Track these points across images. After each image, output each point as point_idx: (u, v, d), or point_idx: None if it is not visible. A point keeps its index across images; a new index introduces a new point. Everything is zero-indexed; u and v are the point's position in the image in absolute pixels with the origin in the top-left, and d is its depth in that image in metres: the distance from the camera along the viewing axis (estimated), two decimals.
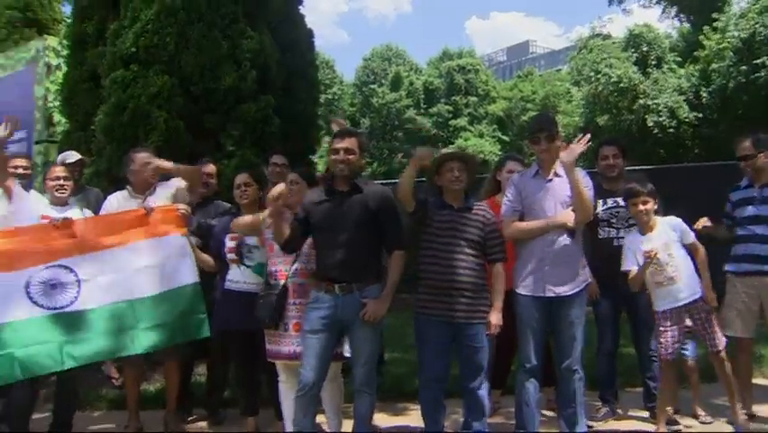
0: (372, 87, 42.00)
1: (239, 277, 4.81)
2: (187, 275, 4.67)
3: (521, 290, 4.34)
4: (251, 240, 4.78)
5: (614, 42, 22.49)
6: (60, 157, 5.59)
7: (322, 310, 4.11)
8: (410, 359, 4.79)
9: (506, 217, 4.39)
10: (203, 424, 5.28)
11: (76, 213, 4.88)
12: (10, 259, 4.43)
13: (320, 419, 4.46)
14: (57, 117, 7.85)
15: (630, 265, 4.66)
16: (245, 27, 6.87)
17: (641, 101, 19.33)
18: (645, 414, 5.07)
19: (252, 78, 6.85)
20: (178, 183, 5.05)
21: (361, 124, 39.50)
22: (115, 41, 6.80)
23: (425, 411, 4.35)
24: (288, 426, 4.42)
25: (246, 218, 4.70)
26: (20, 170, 5.33)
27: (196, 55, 6.59)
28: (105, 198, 5.20)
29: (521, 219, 4.37)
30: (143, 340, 4.54)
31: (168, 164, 4.96)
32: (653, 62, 20.49)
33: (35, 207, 4.88)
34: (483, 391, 4.32)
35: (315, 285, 4.22)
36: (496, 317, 4.20)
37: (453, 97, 40.63)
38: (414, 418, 5.02)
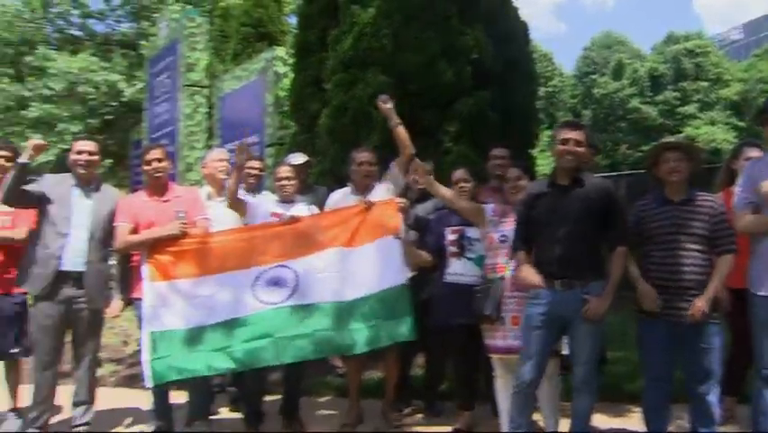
0: (593, 77, 40.64)
1: (460, 269, 4.81)
2: (398, 277, 4.67)
3: (762, 291, 3.95)
4: (472, 232, 4.78)
5: None
6: (287, 158, 5.92)
7: (541, 306, 4.01)
8: (633, 359, 4.53)
9: (737, 209, 4.06)
10: (419, 416, 5.35)
11: (302, 209, 5.15)
12: (243, 256, 4.77)
13: (536, 416, 4.36)
14: (285, 121, 8.33)
15: None
16: (459, 24, 6.89)
17: None
18: None
19: (468, 74, 6.86)
20: (391, 169, 5.15)
21: (582, 116, 38.36)
22: (336, 47, 7.14)
23: (648, 415, 4.14)
24: (504, 422, 4.37)
25: (469, 204, 4.71)
26: (254, 171, 5.75)
27: (412, 54, 6.72)
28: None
29: (756, 211, 4.01)
30: (352, 341, 4.59)
31: (395, 117, 5.03)
32: None
33: (265, 206, 5.21)
34: (713, 397, 4.01)
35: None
36: (702, 302, 3.88)
37: (681, 83, 38.30)
38: (635, 421, 4.80)
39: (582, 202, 3.99)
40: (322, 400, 5.82)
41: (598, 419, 4.82)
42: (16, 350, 5.14)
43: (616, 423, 5.00)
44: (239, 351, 4.54)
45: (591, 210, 3.98)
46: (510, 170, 4.66)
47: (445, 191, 4.75)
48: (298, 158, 5.87)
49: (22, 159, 4.73)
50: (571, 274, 3.98)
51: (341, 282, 4.69)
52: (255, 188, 5.87)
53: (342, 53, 7.00)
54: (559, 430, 4.40)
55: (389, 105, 5.00)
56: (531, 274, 4.06)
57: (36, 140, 4.87)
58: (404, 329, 4.59)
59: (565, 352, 4.21)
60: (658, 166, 4.14)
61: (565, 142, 4.04)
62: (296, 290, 4.66)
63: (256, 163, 5.90)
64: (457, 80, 6.81)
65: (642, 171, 4.44)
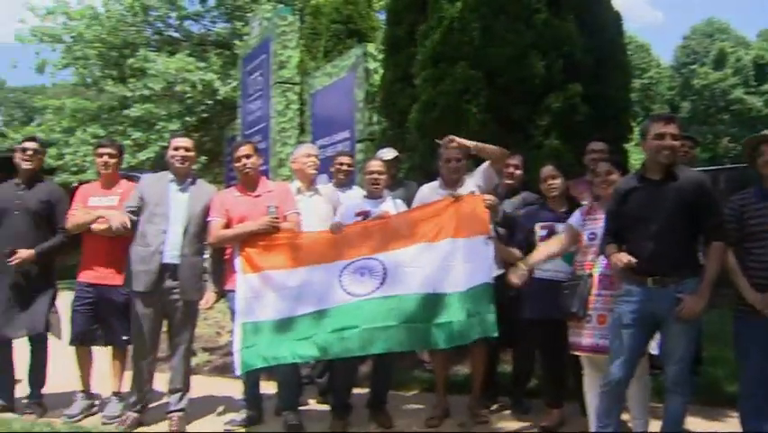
0: (692, 67, 39.16)
1: (549, 265, 4.76)
2: (486, 275, 4.59)
3: None
4: (562, 228, 4.71)
5: None
6: (378, 153, 5.98)
7: (632, 304, 3.91)
8: (732, 360, 4.35)
9: None
10: (506, 413, 5.31)
11: (389, 206, 5.19)
12: (332, 250, 4.85)
13: (625, 417, 4.26)
14: (375, 117, 8.38)
15: None
16: (549, 16, 6.77)
17: None
18: None
19: (559, 67, 6.74)
20: (483, 167, 5.11)
21: (680, 109, 37.04)
22: (424, 42, 7.13)
23: (746, 420, 3.99)
24: (592, 421, 4.29)
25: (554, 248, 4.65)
26: (344, 167, 5.90)
27: (500, 48, 6.65)
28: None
29: None
30: (437, 335, 4.56)
31: (469, 143, 4.99)
32: None
33: (352, 202, 5.29)
34: None
35: (625, 277, 4.02)
36: None
37: None
38: (731, 425, 4.63)
39: (675, 196, 3.86)
40: (409, 394, 5.84)
41: (693, 423, 4.68)
42: (125, 338, 5.36)
43: (712, 427, 4.83)
44: (325, 339, 4.58)
45: (685, 204, 3.85)
46: (600, 165, 4.55)
47: (539, 255, 4.66)
48: (389, 153, 5.91)
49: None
50: (663, 271, 3.86)
51: (428, 276, 4.67)
52: (345, 184, 5.96)
53: (431, 48, 6.99)
54: (649, 432, 4.27)
55: (455, 144, 4.99)
56: (624, 255, 3.92)
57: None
58: (487, 327, 4.50)
59: (654, 351, 4.09)
60: (755, 159, 3.98)
61: (661, 136, 3.92)
62: (384, 282, 4.68)
63: (346, 159, 5.99)
64: (547, 74, 6.70)
65: (744, 165, 4.25)
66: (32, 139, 5.72)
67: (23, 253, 5.21)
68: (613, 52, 7.45)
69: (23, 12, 18.02)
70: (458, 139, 4.99)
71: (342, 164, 6.01)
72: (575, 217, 4.59)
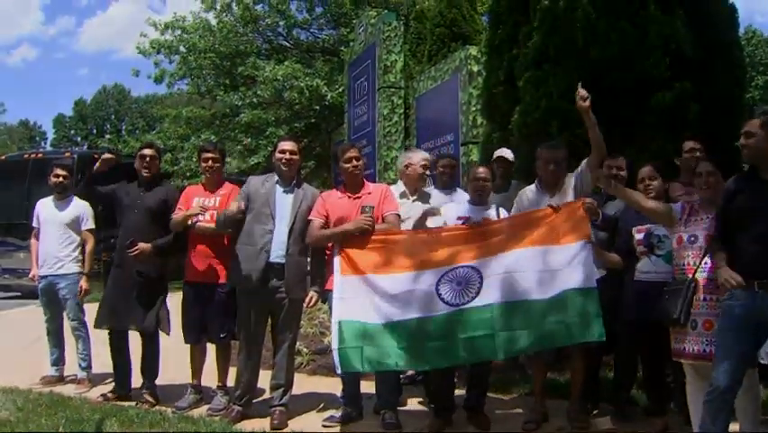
0: None
1: (650, 267, 4.67)
2: (586, 280, 4.53)
3: None
4: (660, 229, 4.59)
5: None
6: (498, 152, 5.97)
7: (737, 308, 3.76)
8: None
9: None
10: (607, 419, 5.15)
11: (492, 214, 5.19)
12: (430, 256, 4.87)
13: (733, 427, 4.05)
14: (479, 120, 8.38)
15: None
16: (655, 12, 6.58)
17: None
18: None
19: (665, 64, 6.54)
20: (580, 170, 5.04)
21: None
22: (527, 43, 7.07)
23: None
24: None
25: (656, 205, 4.51)
26: (447, 170, 6.01)
27: (604, 48, 6.51)
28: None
29: None
30: (536, 341, 4.59)
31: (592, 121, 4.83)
32: None
33: (456, 207, 5.37)
34: None
35: None
36: None
37: None
38: None
39: None
40: (507, 398, 5.79)
41: None
42: (224, 335, 5.58)
43: None
44: (426, 350, 4.68)
45: None
46: (701, 164, 4.38)
47: (632, 195, 4.58)
48: (509, 153, 5.93)
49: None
50: None
51: (527, 283, 4.64)
52: (450, 186, 6.03)
53: (533, 49, 6.93)
54: None
55: (587, 104, 4.77)
56: (730, 275, 3.79)
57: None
58: (592, 332, 4.47)
59: (765, 361, 3.90)
60: None
61: (748, 135, 3.79)
62: (480, 291, 4.68)
63: (447, 161, 6.08)
64: (654, 72, 6.51)
65: None
66: (150, 145, 6.12)
67: (142, 246, 5.53)
68: (726, 48, 7.17)
69: (146, 27, 18.91)
70: (588, 102, 4.76)
71: (445, 167, 6.08)
72: (677, 206, 4.46)
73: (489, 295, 4.64)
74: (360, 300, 4.81)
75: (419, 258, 4.86)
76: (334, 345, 4.73)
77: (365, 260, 4.91)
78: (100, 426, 4.83)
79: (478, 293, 4.67)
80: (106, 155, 5.73)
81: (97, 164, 5.74)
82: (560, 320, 4.50)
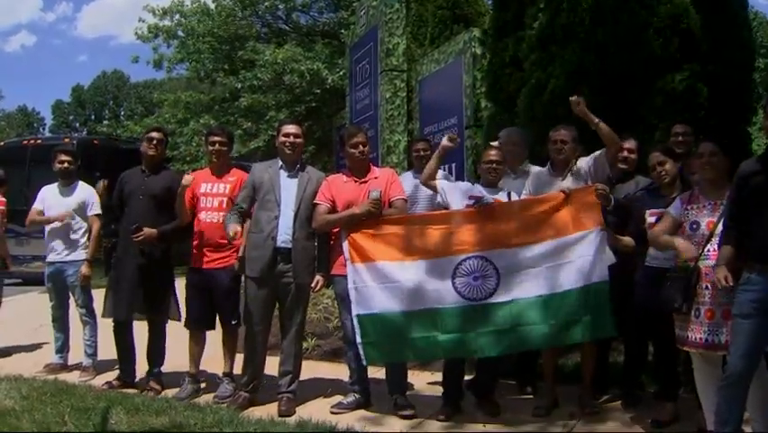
0: None
1: (660, 253, 4.59)
2: (599, 273, 4.61)
3: None
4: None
5: None
6: (506, 132, 5.92)
7: (753, 293, 3.70)
8: None
9: None
10: (617, 404, 5.14)
11: (503, 196, 5.12)
12: (443, 243, 4.87)
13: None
14: (483, 103, 8.29)
15: None
16: None
17: None
18: None
19: (674, 46, 6.45)
20: (597, 154, 5.00)
21: None
22: (533, 24, 6.98)
23: None
24: (709, 418, 4.08)
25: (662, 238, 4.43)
26: (421, 153, 6.03)
27: (612, 28, 6.41)
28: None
29: None
30: (552, 336, 4.71)
31: (592, 117, 4.87)
32: None
33: (467, 186, 5.33)
34: None
35: (747, 265, 3.81)
36: None
37: None
38: None
39: None
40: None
41: None
42: (234, 321, 5.53)
43: None
44: (444, 341, 4.79)
45: None
46: (702, 144, 4.28)
47: (660, 241, 4.46)
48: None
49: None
50: None
51: (542, 277, 4.72)
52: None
53: (539, 30, 6.84)
54: None
55: (581, 107, 4.86)
56: (724, 276, 3.77)
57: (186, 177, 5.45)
58: (604, 325, 4.64)
59: None
60: None
61: None
62: (498, 288, 4.73)
63: (422, 145, 6.25)
64: (663, 53, 6.42)
65: None
66: (157, 129, 6.12)
67: (147, 231, 5.49)
68: (735, 29, 7.07)
69: (144, 13, 18.75)
70: (582, 106, 4.87)
71: (423, 150, 6.06)
72: (675, 206, 4.39)
73: (508, 292, 4.72)
74: (373, 288, 4.86)
75: (431, 244, 4.88)
76: (358, 339, 4.86)
77: (376, 248, 4.92)
78: (106, 414, 4.78)
79: (495, 289, 4.73)
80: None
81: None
82: (575, 318, 4.63)
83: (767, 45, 33.36)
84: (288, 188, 5.23)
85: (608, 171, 5.04)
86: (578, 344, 5.09)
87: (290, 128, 5.38)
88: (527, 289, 4.71)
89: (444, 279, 4.78)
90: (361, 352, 4.87)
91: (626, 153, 5.25)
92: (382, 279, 4.87)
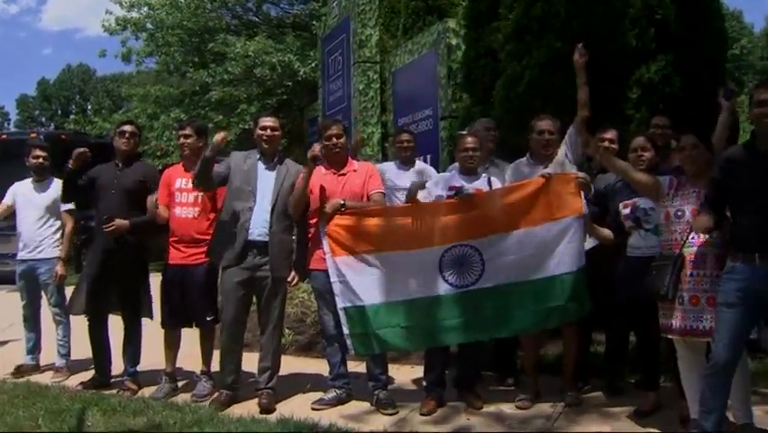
0: None
1: (640, 242, 4.62)
2: (575, 261, 4.70)
3: None
4: (645, 202, 4.53)
5: None
6: (478, 122, 5.89)
7: (737, 282, 3.72)
8: None
9: None
10: (599, 394, 5.15)
11: (483, 183, 5.10)
12: (425, 234, 4.87)
13: None
14: (458, 94, 8.27)
15: None
16: None
17: None
18: None
19: (649, 36, 6.48)
20: (569, 134, 5.08)
21: None
22: (508, 15, 6.94)
23: None
24: (692, 407, 4.10)
25: (644, 177, 4.43)
26: (405, 144, 6.12)
27: (587, 18, 6.39)
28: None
29: None
30: (531, 321, 4.81)
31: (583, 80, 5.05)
32: None
33: (446, 175, 5.33)
34: None
35: (730, 254, 3.82)
36: None
37: None
38: None
39: None
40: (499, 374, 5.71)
41: None
42: (210, 318, 5.45)
43: None
44: (431, 329, 4.85)
45: None
46: (684, 138, 4.28)
47: (620, 165, 4.53)
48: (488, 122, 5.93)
49: (208, 154, 4.98)
50: None
51: (523, 263, 4.79)
52: (409, 161, 6.17)
53: (515, 21, 6.79)
54: (749, 422, 4.04)
55: (583, 60, 5.05)
56: (704, 222, 3.83)
57: (221, 133, 5.12)
58: (583, 308, 4.73)
59: (754, 336, 3.87)
60: None
61: (763, 103, 3.69)
62: (483, 274, 4.79)
63: (406, 136, 6.25)
64: (638, 44, 6.43)
65: None
66: (129, 122, 6.06)
67: (119, 222, 5.38)
68: (708, 21, 7.10)
69: (111, 5, 18.43)
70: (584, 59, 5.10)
71: (406, 141, 6.10)
72: (665, 179, 4.39)
73: (492, 277, 4.78)
74: (358, 280, 4.88)
75: (416, 236, 4.88)
76: (345, 331, 4.89)
77: (358, 240, 4.93)
78: (81, 416, 4.67)
79: (481, 275, 4.79)
80: (78, 151, 5.47)
81: (72, 162, 5.50)
82: (556, 303, 4.71)
83: (733, 36, 33.83)
84: (266, 180, 5.16)
85: (580, 151, 5.09)
86: (558, 335, 5.11)
87: (267, 121, 5.30)
88: (510, 274, 4.77)
89: (430, 268, 4.82)
90: (349, 344, 4.91)
91: (606, 144, 5.24)
92: (367, 271, 4.87)
